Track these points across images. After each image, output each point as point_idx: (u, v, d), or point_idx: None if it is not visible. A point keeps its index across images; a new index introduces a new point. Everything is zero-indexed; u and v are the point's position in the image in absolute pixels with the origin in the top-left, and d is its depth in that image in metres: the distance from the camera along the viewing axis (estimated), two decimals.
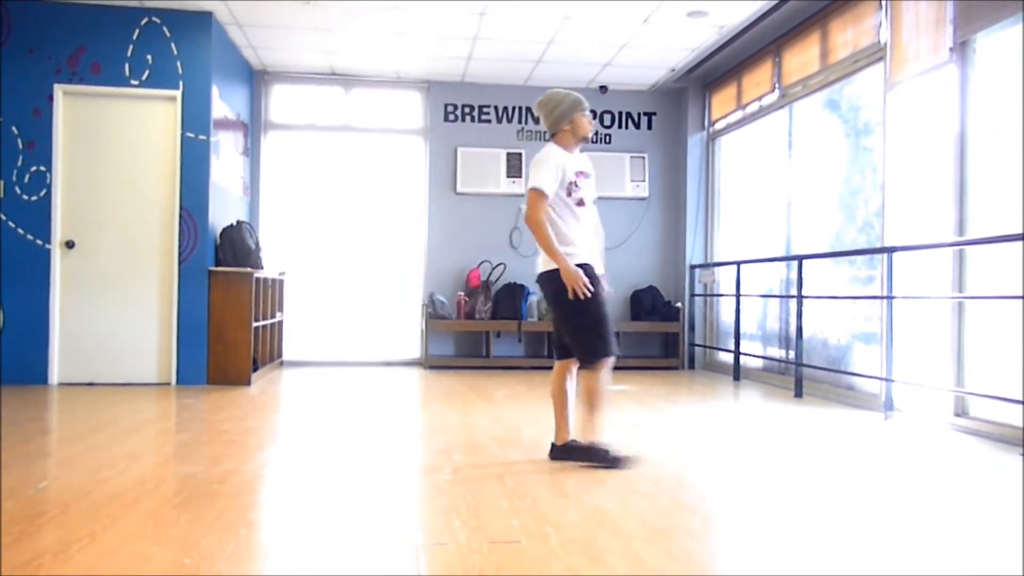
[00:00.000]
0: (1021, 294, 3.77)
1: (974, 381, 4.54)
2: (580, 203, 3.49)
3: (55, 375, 6.01)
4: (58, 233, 6.03)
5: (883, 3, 5.28)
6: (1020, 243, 3.90)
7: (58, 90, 6.02)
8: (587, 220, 3.54)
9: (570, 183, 3.46)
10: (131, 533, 2.42)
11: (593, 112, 8.07)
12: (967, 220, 4.63)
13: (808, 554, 2.36)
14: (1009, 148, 4.40)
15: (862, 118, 5.81)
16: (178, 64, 6.15)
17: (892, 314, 4.96)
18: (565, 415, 3.56)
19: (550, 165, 3.43)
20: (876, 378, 5.13)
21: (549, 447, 3.59)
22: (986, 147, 4.55)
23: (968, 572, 2.22)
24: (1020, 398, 3.86)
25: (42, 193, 5.99)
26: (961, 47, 4.63)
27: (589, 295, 3.35)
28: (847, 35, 5.72)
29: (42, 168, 5.99)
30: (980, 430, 4.35)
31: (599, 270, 3.54)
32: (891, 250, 4.97)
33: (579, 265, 3.40)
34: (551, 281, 3.44)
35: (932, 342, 4.84)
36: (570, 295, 3.34)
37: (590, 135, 3.61)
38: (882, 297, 5.06)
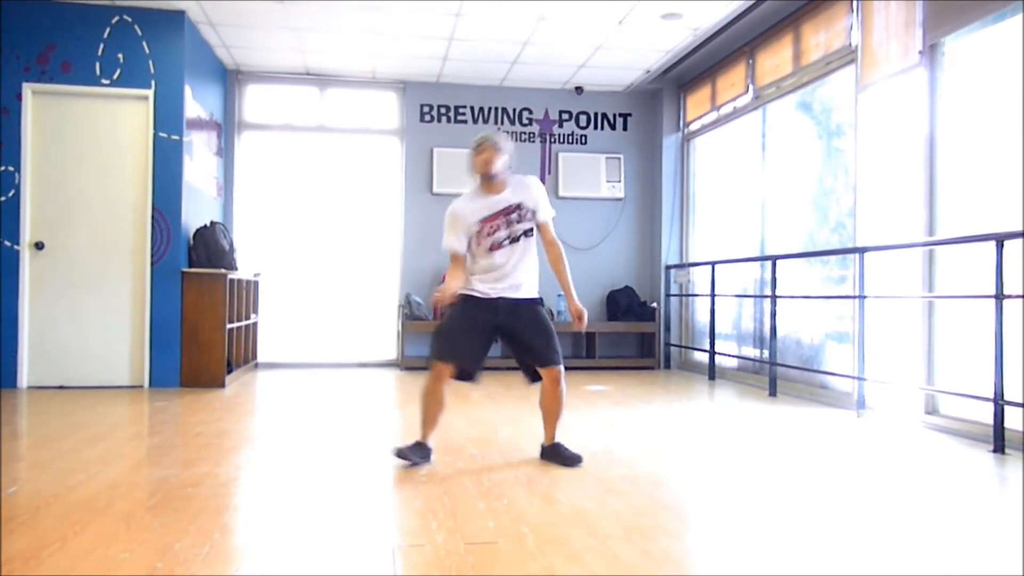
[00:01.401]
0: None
1: (944, 379, 4.61)
2: (493, 247, 3.47)
3: (24, 378, 5.92)
4: (27, 234, 5.94)
5: (854, 6, 5.35)
6: (989, 243, 3.96)
7: (27, 89, 5.92)
8: (501, 261, 3.49)
9: (473, 235, 3.49)
10: (103, 537, 2.39)
11: (569, 113, 8.26)
12: (936, 221, 4.70)
13: (783, 552, 2.38)
14: (977, 150, 4.48)
15: (834, 119, 5.87)
16: (150, 63, 6.08)
17: (864, 313, 5.02)
18: (546, 420, 3.61)
19: (450, 226, 3.52)
20: (848, 377, 5.19)
21: (526, 447, 3.61)
22: (955, 149, 4.62)
23: (942, 569, 2.25)
24: (989, 396, 3.92)
25: (11, 194, 5.89)
26: (930, 50, 4.70)
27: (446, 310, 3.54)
28: (819, 38, 5.78)
29: (10, 168, 5.89)
30: (950, 427, 4.42)
31: (509, 293, 3.51)
32: (863, 250, 5.03)
33: (467, 296, 3.50)
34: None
35: (903, 341, 4.90)
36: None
37: (481, 170, 3.50)
38: (854, 297, 5.12)
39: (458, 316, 3.50)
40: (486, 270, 3.50)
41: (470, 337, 3.48)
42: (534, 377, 3.59)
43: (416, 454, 3.46)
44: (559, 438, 3.61)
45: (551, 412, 3.57)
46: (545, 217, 3.60)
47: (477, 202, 3.53)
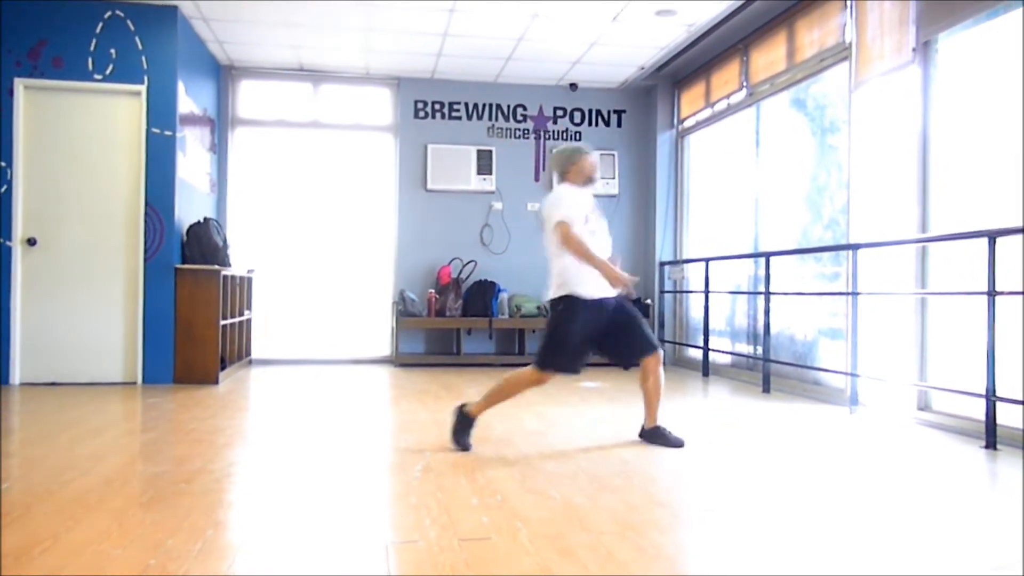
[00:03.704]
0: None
1: (937, 376, 4.62)
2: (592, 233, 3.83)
3: (16, 375, 5.89)
4: (19, 230, 5.91)
5: (848, 3, 5.36)
6: (981, 240, 3.97)
7: (19, 84, 5.89)
8: (597, 247, 3.81)
9: (586, 215, 3.81)
10: (96, 534, 2.39)
11: (563, 110, 8.26)
12: (929, 217, 4.72)
13: (776, 548, 2.39)
14: (970, 147, 4.50)
15: (828, 116, 5.88)
16: (143, 59, 6.05)
17: (857, 310, 5.03)
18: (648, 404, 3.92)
19: (574, 203, 3.80)
20: (842, 373, 5.21)
21: (520, 443, 3.62)
22: (948, 146, 4.63)
23: (934, 566, 2.26)
24: (981, 392, 3.94)
25: (2, 189, 5.86)
26: (924, 47, 4.71)
27: (571, 320, 3.70)
28: (813, 35, 5.79)
29: (2, 164, 5.86)
30: (942, 423, 4.44)
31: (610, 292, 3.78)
32: (856, 247, 5.04)
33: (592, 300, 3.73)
34: (555, 304, 3.79)
35: (896, 337, 4.92)
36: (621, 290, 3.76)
37: (595, 174, 3.98)
38: (847, 293, 5.14)
39: (577, 328, 3.68)
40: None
41: (585, 348, 3.77)
42: (628, 364, 3.95)
43: (468, 433, 3.71)
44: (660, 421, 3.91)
45: (654, 395, 3.88)
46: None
47: (584, 195, 3.90)
